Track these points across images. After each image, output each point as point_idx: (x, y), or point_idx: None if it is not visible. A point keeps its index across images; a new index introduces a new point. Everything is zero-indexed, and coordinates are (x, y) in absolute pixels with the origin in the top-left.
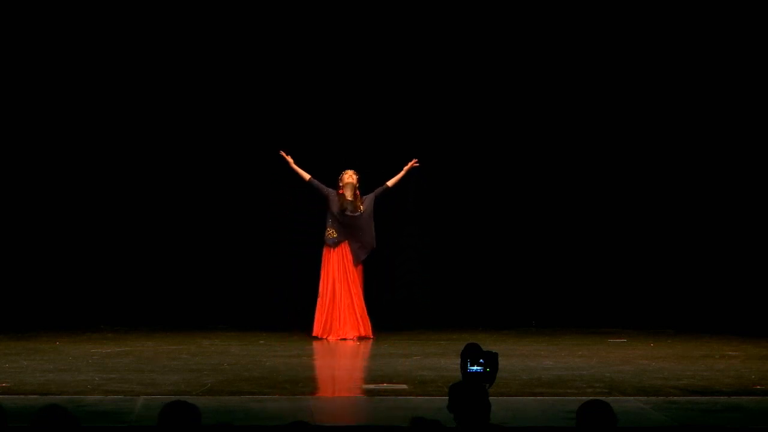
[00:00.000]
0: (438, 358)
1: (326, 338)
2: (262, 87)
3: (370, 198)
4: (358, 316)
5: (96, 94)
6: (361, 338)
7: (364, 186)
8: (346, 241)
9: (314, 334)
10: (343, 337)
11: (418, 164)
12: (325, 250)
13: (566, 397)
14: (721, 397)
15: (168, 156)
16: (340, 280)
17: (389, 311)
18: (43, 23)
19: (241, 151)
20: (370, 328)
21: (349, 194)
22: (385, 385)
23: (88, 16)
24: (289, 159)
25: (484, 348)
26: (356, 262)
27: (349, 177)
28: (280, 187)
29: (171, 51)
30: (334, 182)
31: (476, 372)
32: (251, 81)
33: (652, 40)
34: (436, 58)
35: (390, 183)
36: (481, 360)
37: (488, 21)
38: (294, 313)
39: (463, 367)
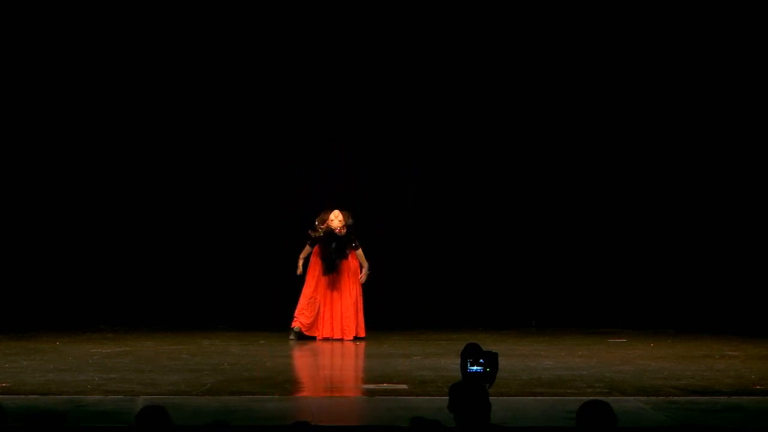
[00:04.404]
0: (438, 358)
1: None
2: (260, 89)
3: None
4: (352, 317)
5: (96, 95)
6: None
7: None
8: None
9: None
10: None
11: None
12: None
13: (566, 397)
14: (721, 397)
15: (167, 156)
16: (335, 286)
17: (389, 311)
18: (43, 23)
19: (241, 151)
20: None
21: (337, 227)
22: (385, 385)
23: (88, 16)
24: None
25: (484, 348)
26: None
27: (336, 218)
28: (280, 187)
29: (169, 53)
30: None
31: (476, 372)
32: (250, 83)
33: (652, 40)
34: (434, 58)
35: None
36: (481, 360)
37: (486, 19)
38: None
39: (463, 367)
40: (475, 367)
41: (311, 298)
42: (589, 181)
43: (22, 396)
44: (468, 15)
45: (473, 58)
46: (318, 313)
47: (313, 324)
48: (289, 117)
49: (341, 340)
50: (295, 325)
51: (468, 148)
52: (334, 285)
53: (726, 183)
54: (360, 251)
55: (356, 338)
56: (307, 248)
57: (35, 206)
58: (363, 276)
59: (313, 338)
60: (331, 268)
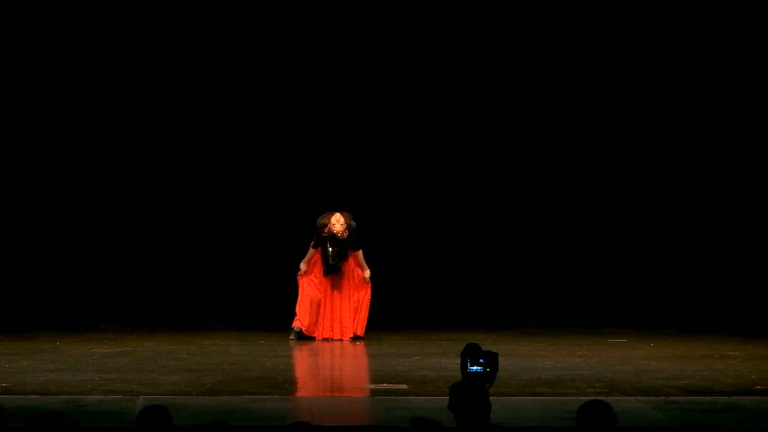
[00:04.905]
0: (438, 358)
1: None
2: (259, 89)
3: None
4: (351, 317)
5: (95, 95)
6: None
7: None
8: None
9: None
10: (339, 338)
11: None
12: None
13: (566, 397)
14: (721, 397)
15: (167, 157)
16: (336, 287)
17: (389, 311)
18: (43, 23)
19: (241, 152)
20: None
21: (339, 231)
22: (385, 385)
23: (88, 16)
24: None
25: (484, 348)
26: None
27: (337, 222)
28: (280, 187)
29: (169, 54)
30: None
31: (476, 372)
32: (250, 83)
33: (651, 40)
34: (435, 58)
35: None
36: (481, 360)
37: (486, 19)
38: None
39: (463, 367)
40: (475, 367)
41: (312, 298)
42: (589, 180)
43: (22, 396)
44: (467, 16)
45: (473, 58)
46: (318, 313)
47: (313, 324)
48: (288, 117)
49: (341, 340)
50: (296, 325)
51: (468, 147)
52: (334, 285)
53: (726, 183)
54: (360, 253)
55: (355, 338)
56: (311, 252)
57: (35, 206)
58: (366, 278)
59: (313, 338)
60: (333, 270)
